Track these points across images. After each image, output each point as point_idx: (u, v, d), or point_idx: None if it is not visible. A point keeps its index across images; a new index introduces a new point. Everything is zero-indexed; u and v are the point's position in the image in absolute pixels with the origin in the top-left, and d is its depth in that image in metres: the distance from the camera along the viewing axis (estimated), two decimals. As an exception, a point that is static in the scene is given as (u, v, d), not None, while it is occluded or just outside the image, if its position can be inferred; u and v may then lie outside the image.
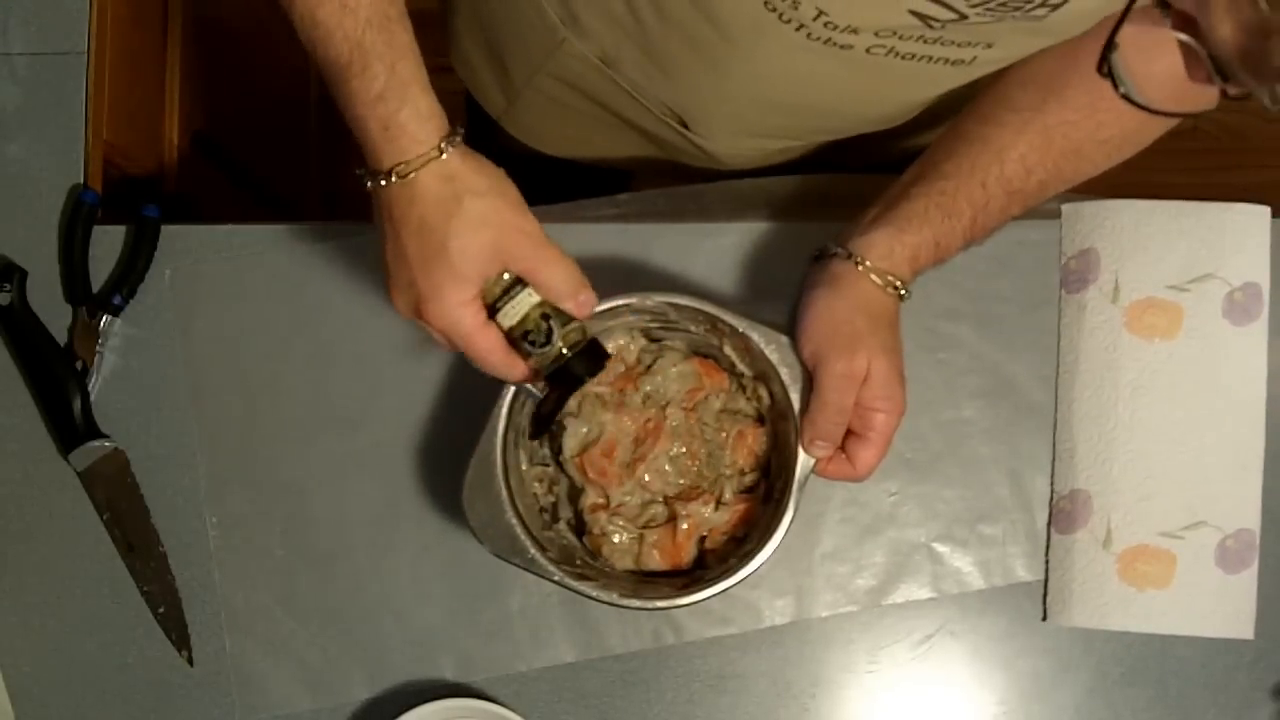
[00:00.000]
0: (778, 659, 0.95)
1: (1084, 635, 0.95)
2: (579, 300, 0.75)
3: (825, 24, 0.77)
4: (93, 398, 0.96)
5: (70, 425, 0.95)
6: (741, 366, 0.87)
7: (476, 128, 0.75)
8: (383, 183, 0.72)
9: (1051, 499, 0.96)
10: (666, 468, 0.86)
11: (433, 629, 0.95)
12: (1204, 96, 0.55)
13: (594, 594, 0.81)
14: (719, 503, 0.86)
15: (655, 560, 0.86)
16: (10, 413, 0.97)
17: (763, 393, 0.87)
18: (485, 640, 0.95)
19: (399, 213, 0.73)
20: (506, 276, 0.74)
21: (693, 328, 0.86)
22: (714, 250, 0.97)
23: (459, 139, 0.73)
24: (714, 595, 0.81)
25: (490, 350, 0.75)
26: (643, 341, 0.88)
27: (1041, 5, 0.71)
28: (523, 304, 0.74)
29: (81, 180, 0.99)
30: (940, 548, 0.96)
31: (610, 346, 0.85)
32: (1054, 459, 0.96)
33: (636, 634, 0.95)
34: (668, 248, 0.97)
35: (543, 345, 0.75)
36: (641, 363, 0.88)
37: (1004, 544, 0.96)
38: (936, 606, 0.95)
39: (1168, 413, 0.95)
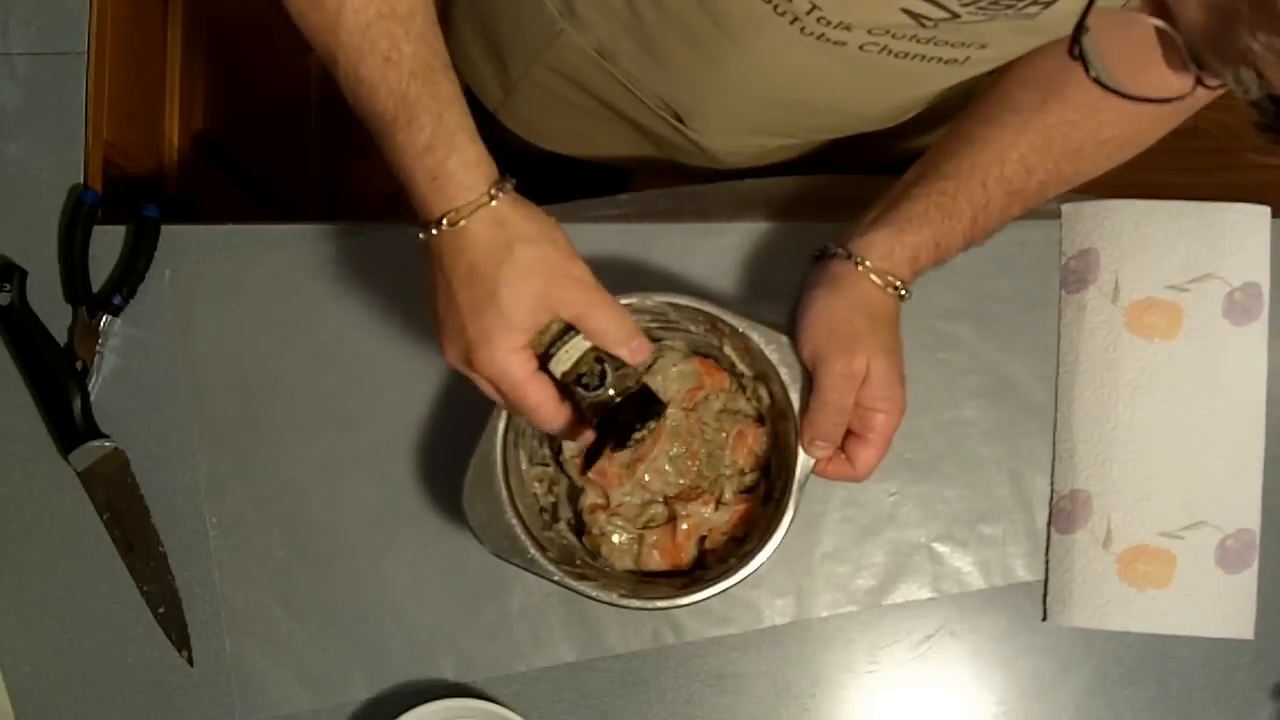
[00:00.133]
0: (778, 659, 0.95)
1: (1084, 635, 0.95)
2: (631, 347, 0.74)
3: (819, 19, 0.77)
4: (93, 398, 0.96)
5: (70, 425, 0.95)
6: (741, 366, 0.87)
7: (474, 124, 0.75)
8: (434, 232, 0.72)
9: (1051, 499, 0.96)
10: (666, 468, 0.86)
11: (433, 629, 0.95)
12: (1178, 84, 0.55)
13: (594, 594, 0.81)
14: (719, 503, 0.86)
15: (655, 560, 0.86)
16: (10, 413, 0.97)
17: (763, 393, 0.87)
18: (485, 640, 0.95)
19: (449, 261, 0.72)
20: (556, 326, 0.73)
21: (693, 328, 0.86)
22: (714, 250, 0.97)
23: (509, 186, 0.72)
24: (714, 595, 0.81)
25: (541, 402, 0.74)
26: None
27: (1033, 3, 0.71)
28: (576, 348, 0.73)
29: (81, 180, 0.99)
30: (940, 548, 0.96)
31: None
32: (1054, 459, 0.96)
33: (636, 634, 0.95)
34: (668, 248, 0.97)
35: (596, 388, 0.74)
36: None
37: (1004, 544, 0.96)
38: (936, 606, 0.95)
39: (1168, 413, 0.95)
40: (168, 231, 0.98)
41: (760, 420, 0.88)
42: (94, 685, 0.95)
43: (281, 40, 1.53)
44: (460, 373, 0.75)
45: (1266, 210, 0.96)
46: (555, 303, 0.72)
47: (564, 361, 0.73)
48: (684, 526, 0.85)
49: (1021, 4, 0.71)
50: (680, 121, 0.98)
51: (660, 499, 0.87)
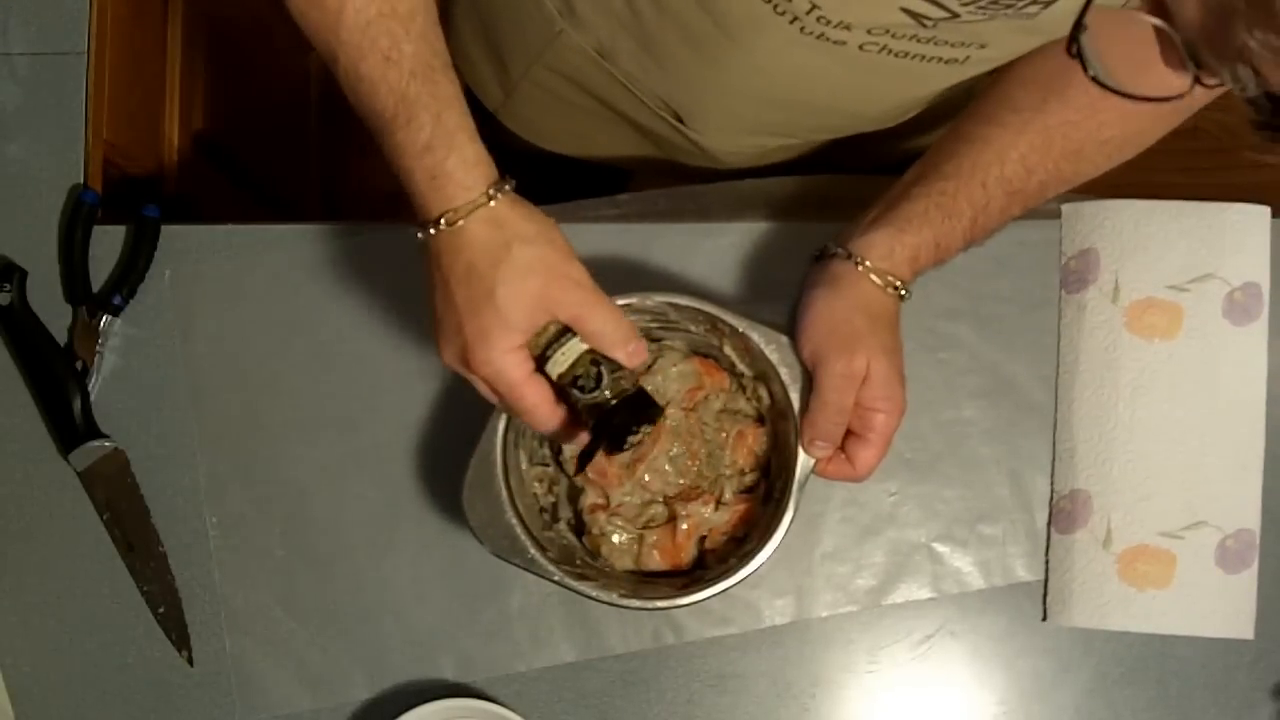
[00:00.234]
0: (778, 659, 0.95)
1: (1084, 635, 0.95)
2: (629, 350, 0.74)
3: (819, 19, 0.77)
4: (93, 398, 0.96)
5: (70, 425, 0.95)
6: (741, 366, 0.87)
7: (474, 124, 0.75)
8: (432, 231, 0.72)
9: (1051, 499, 0.96)
10: (666, 468, 0.86)
11: (433, 629, 0.95)
12: (1177, 83, 0.55)
13: (594, 594, 0.81)
14: (719, 503, 0.86)
15: (655, 560, 0.86)
16: (10, 413, 0.97)
17: (763, 393, 0.87)
18: (485, 640, 0.95)
19: (447, 261, 0.72)
20: (553, 328, 0.73)
21: (693, 328, 0.86)
22: (714, 250, 0.97)
23: (508, 186, 0.72)
24: (714, 595, 0.81)
25: (537, 403, 0.74)
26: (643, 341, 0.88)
27: (1033, 3, 0.71)
28: (573, 350, 0.73)
29: (81, 180, 0.99)
30: (940, 548, 0.96)
31: None
32: (1054, 459, 0.96)
33: (636, 634, 0.95)
34: (668, 248, 0.97)
35: (592, 390, 0.74)
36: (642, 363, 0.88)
37: (1004, 544, 0.96)
38: (936, 606, 0.95)
39: (1168, 413, 0.95)
40: (168, 231, 0.98)
41: (760, 420, 0.88)
42: (94, 685, 0.95)
43: (281, 40, 1.53)
44: (457, 373, 0.75)
45: (1266, 210, 0.96)
46: (553, 304, 0.72)
47: (560, 363, 0.73)
48: (684, 526, 0.85)
49: (1021, 3, 0.71)
50: (680, 121, 0.98)
51: (660, 499, 0.87)
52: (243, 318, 0.97)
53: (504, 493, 0.82)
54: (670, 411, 0.86)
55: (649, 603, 0.83)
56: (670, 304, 0.84)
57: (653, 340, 0.88)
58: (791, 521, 0.81)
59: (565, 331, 0.73)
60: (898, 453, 0.91)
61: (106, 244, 0.98)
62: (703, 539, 0.87)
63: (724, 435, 0.87)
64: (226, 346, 0.97)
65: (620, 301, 0.82)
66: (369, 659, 0.95)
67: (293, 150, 1.70)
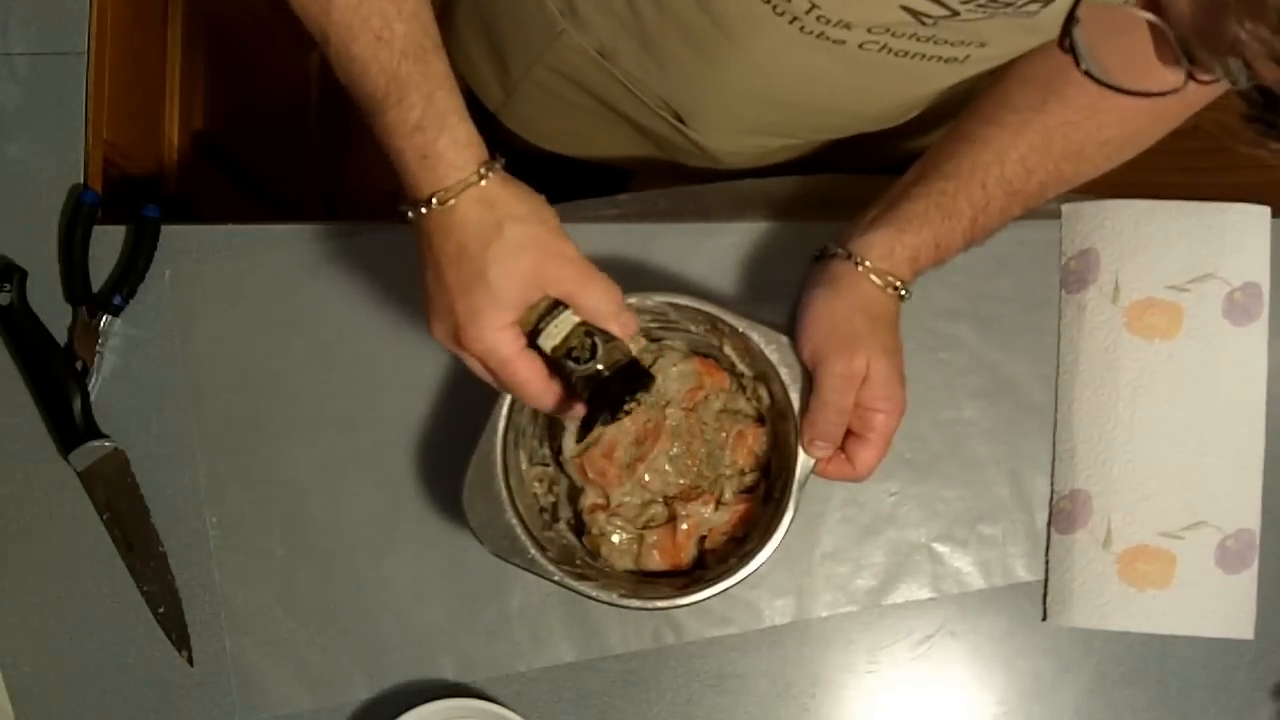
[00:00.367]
0: (778, 659, 0.95)
1: (1084, 635, 0.95)
2: (621, 321, 0.75)
3: (818, 18, 0.77)
4: (93, 398, 0.96)
5: (70, 425, 0.95)
6: (741, 366, 0.87)
7: (475, 125, 0.75)
8: (423, 211, 0.72)
9: (1051, 499, 0.96)
10: (666, 468, 0.86)
11: (433, 629, 0.95)
12: (1170, 78, 0.55)
13: (594, 594, 0.81)
14: (719, 503, 0.86)
15: (655, 560, 0.86)
16: (10, 413, 0.97)
17: (763, 393, 0.87)
18: (485, 640, 0.95)
19: (438, 240, 0.72)
20: (544, 303, 0.74)
21: (693, 328, 0.86)
22: (714, 250, 0.97)
23: (499, 165, 0.72)
24: (714, 595, 0.81)
25: (529, 378, 0.74)
26: (643, 341, 0.88)
27: (1032, 1, 0.71)
28: (566, 322, 0.73)
29: (81, 180, 0.99)
30: (940, 548, 0.96)
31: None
32: (1054, 459, 0.96)
33: (636, 634, 0.95)
34: (668, 248, 0.97)
35: (587, 361, 0.74)
36: (641, 362, 0.88)
37: (1004, 544, 0.96)
38: (936, 606, 0.95)
39: (1168, 413, 0.95)
40: (168, 231, 0.98)
41: (760, 420, 0.88)
42: (94, 685, 0.95)
43: (281, 40, 1.53)
44: (448, 350, 0.75)
45: (1266, 210, 0.96)
46: (545, 281, 0.72)
47: (553, 336, 0.74)
48: (684, 526, 0.85)
49: (1021, 2, 0.71)
50: (681, 122, 0.98)
51: (660, 499, 0.87)
52: (243, 318, 0.97)
53: (504, 493, 0.82)
54: (670, 411, 0.86)
55: (649, 603, 0.83)
56: (670, 304, 0.84)
57: (653, 340, 0.88)
58: (791, 521, 0.81)
59: (556, 305, 0.74)
60: (898, 453, 0.91)
61: (106, 244, 0.98)
62: (703, 539, 0.87)
63: (724, 435, 0.87)
64: (226, 346, 0.97)
65: (620, 301, 0.82)
66: (369, 659, 0.95)
67: (293, 150, 1.70)
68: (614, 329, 0.75)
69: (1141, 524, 0.94)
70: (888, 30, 0.77)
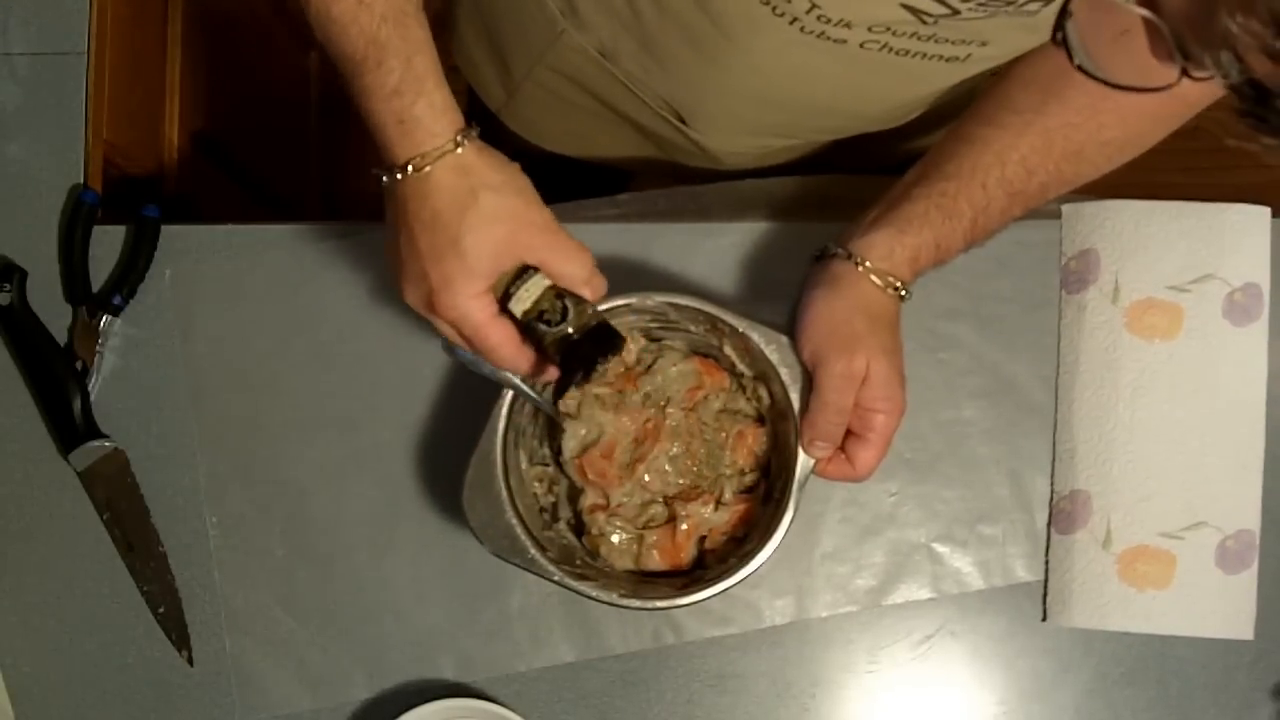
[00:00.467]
0: (778, 659, 0.95)
1: (1084, 635, 0.95)
2: (592, 285, 0.75)
3: (819, 18, 0.77)
4: (93, 398, 0.96)
5: (70, 425, 0.95)
6: (741, 366, 0.87)
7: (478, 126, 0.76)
8: (398, 176, 0.72)
9: (1051, 499, 0.96)
10: (666, 468, 0.86)
11: (433, 629, 0.95)
12: (1165, 74, 0.55)
13: (594, 594, 0.81)
14: (719, 503, 0.86)
15: (655, 560, 0.86)
16: (10, 413, 0.97)
17: (763, 393, 0.87)
18: (485, 640, 0.95)
19: (414, 207, 0.72)
20: (514, 267, 0.74)
21: (693, 328, 0.86)
22: (714, 250, 0.97)
23: (474, 134, 0.73)
24: (714, 595, 0.81)
25: (501, 343, 0.75)
26: (643, 341, 0.88)
27: (1033, 0, 0.71)
28: (536, 286, 0.74)
29: (81, 180, 0.99)
30: (940, 548, 0.96)
31: None
32: (1054, 459, 0.96)
33: (636, 634, 0.95)
34: (668, 248, 0.97)
35: (558, 324, 0.75)
36: (641, 363, 0.88)
37: (1004, 544, 0.96)
38: (936, 606, 0.95)
39: (1168, 413, 0.95)
40: (168, 231, 0.98)
41: (760, 420, 0.88)
42: (94, 685, 0.95)
43: (281, 40, 1.53)
44: (420, 315, 0.75)
45: (1266, 210, 0.96)
46: (519, 248, 0.73)
47: (524, 300, 0.74)
48: (684, 526, 0.85)
49: (1022, 1, 0.71)
50: (682, 122, 0.98)
51: (660, 499, 0.87)
52: (243, 318, 0.97)
53: (504, 493, 0.82)
54: (670, 411, 0.86)
55: (649, 603, 0.83)
56: (670, 304, 0.84)
57: (653, 340, 0.88)
58: (791, 521, 0.81)
59: (526, 269, 0.74)
60: (898, 453, 0.91)
61: (106, 244, 0.98)
62: (703, 539, 0.87)
63: (724, 435, 0.87)
64: (226, 346, 0.97)
65: (620, 301, 0.82)
66: (369, 659, 0.95)
67: (292, 150, 1.70)
68: (585, 294, 0.75)
69: (1141, 524, 0.94)
70: (888, 29, 0.77)
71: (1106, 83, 0.58)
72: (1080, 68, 0.58)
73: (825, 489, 0.94)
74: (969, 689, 0.95)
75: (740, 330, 0.83)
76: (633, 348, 0.88)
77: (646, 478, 0.86)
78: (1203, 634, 0.94)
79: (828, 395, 0.80)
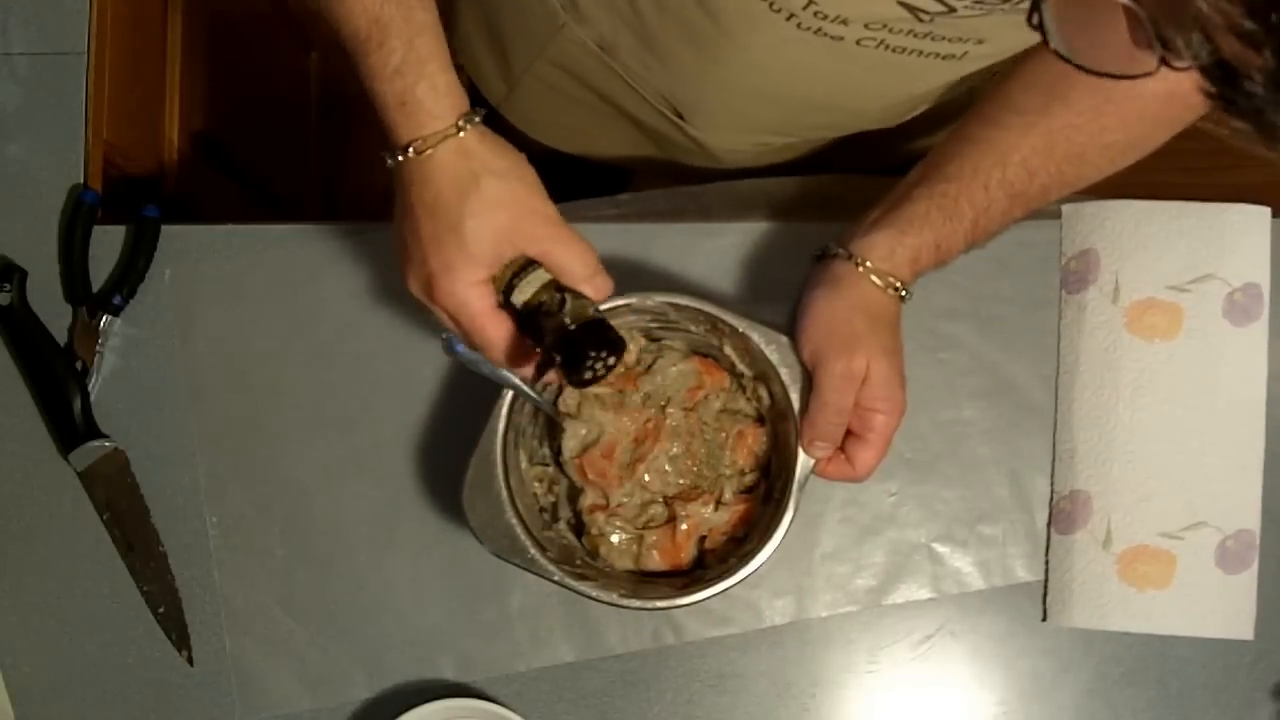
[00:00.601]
0: (778, 659, 0.95)
1: (1084, 635, 0.95)
2: (595, 284, 0.74)
3: (815, 14, 0.77)
4: (93, 398, 0.96)
5: (70, 425, 0.95)
6: (741, 366, 0.87)
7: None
8: (400, 158, 0.72)
9: (1051, 499, 0.96)
10: (666, 468, 0.86)
11: (433, 629, 0.95)
12: (1142, 61, 0.55)
13: (594, 594, 0.81)
14: (719, 503, 0.86)
15: (655, 560, 0.86)
16: (10, 413, 0.97)
17: (763, 393, 0.87)
18: (485, 640, 0.95)
19: (416, 190, 0.72)
20: (520, 258, 0.73)
21: (693, 328, 0.86)
22: (714, 250, 0.97)
23: (478, 119, 0.72)
24: (714, 595, 0.81)
25: (497, 337, 0.74)
26: (642, 341, 0.88)
27: None
28: (538, 279, 0.73)
29: (81, 180, 0.99)
30: (940, 548, 0.96)
31: None
32: (1054, 459, 0.96)
33: (636, 634, 0.95)
34: (668, 248, 0.97)
35: (556, 315, 0.74)
36: (641, 363, 0.88)
37: (1004, 544, 0.96)
38: (936, 606, 0.95)
39: (1168, 413, 0.95)
40: (168, 231, 0.98)
41: (760, 420, 0.88)
42: (94, 685, 0.95)
43: (281, 40, 1.53)
44: (419, 302, 0.75)
45: (1266, 210, 0.96)
46: (521, 238, 0.72)
47: (525, 291, 0.73)
48: (684, 526, 0.85)
49: None
50: (681, 118, 0.98)
51: (660, 499, 0.87)
52: (243, 318, 0.97)
53: (504, 493, 0.82)
54: (670, 411, 0.86)
55: (649, 603, 0.83)
56: (670, 304, 0.84)
57: (653, 340, 0.88)
58: (791, 521, 0.81)
59: (531, 263, 0.73)
60: (898, 453, 0.91)
61: (106, 244, 0.98)
62: (703, 539, 0.87)
63: (724, 435, 0.87)
64: (226, 346, 0.97)
65: (620, 301, 0.82)
66: (369, 659, 0.95)
67: (292, 150, 1.70)
68: (587, 291, 0.74)
69: (1141, 524, 0.94)
70: (885, 26, 0.77)
71: (1082, 68, 0.58)
72: (1057, 52, 0.58)
73: (825, 489, 0.94)
74: (969, 689, 0.95)
75: (740, 330, 0.83)
76: (633, 348, 0.87)
77: (646, 478, 0.86)
78: (1203, 634, 0.94)
79: (828, 395, 0.80)
